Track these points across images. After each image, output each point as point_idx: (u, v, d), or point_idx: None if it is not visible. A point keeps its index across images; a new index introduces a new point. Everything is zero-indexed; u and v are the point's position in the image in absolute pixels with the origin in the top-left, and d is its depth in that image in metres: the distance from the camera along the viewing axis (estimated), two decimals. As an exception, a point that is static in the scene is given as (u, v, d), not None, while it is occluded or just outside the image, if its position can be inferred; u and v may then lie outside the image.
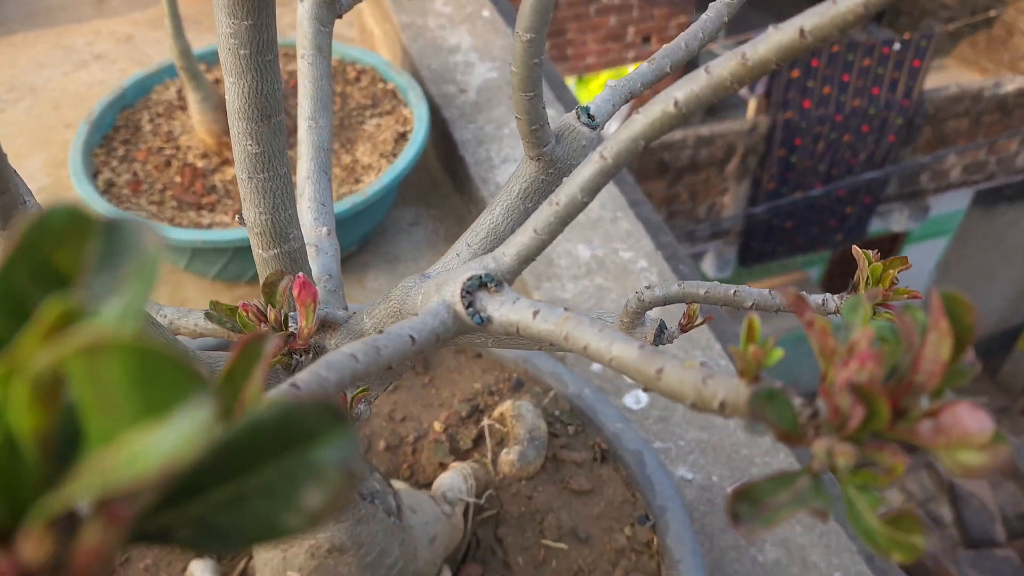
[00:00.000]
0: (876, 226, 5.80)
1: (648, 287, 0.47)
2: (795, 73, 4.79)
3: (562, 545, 0.85)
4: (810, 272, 6.31)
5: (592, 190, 0.40)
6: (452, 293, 0.39)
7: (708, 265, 5.67)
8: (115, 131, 1.44)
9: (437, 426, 0.96)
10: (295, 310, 0.47)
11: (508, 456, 0.90)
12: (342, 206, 1.27)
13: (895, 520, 0.23)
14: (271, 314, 0.45)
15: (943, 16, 6.05)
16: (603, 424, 0.94)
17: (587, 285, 1.29)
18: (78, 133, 1.38)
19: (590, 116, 0.48)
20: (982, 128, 5.33)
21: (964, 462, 0.23)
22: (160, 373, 0.13)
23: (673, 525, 0.85)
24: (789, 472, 0.24)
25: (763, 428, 0.24)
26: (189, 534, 0.17)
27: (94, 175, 1.34)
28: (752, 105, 5.13)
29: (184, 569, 0.82)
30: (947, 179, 5.60)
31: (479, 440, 0.95)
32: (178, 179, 1.36)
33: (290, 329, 0.46)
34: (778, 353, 0.28)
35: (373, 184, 1.30)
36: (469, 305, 0.39)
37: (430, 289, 0.44)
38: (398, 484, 0.89)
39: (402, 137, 1.44)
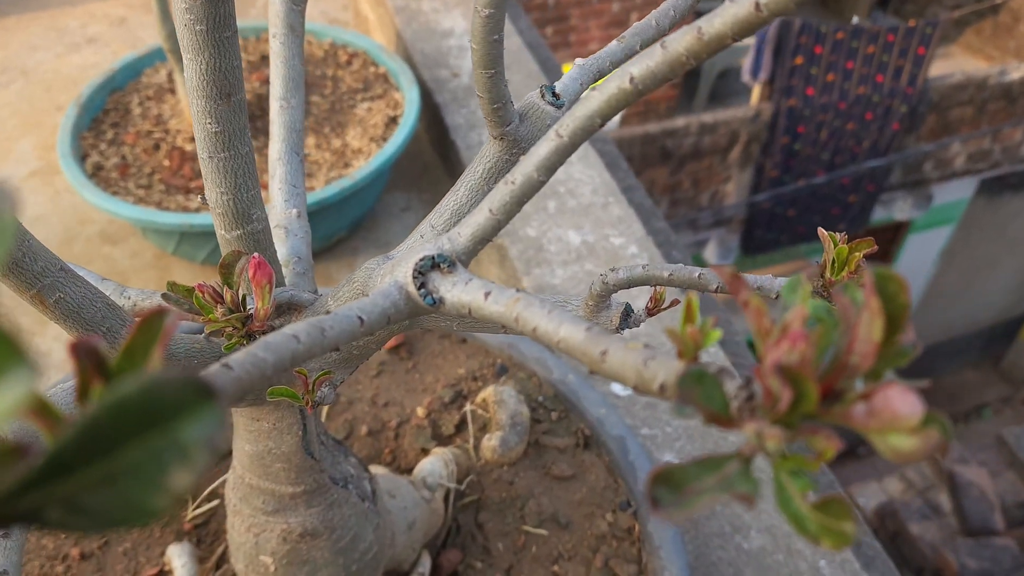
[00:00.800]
0: (879, 215, 5.77)
1: (613, 269, 0.46)
2: (799, 60, 4.76)
3: (542, 531, 0.85)
4: (814, 261, 6.29)
5: (549, 168, 0.39)
6: (404, 274, 0.39)
7: (711, 253, 5.65)
8: (104, 114, 1.43)
9: (420, 411, 0.95)
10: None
11: (490, 442, 0.90)
12: (331, 190, 1.26)
13: (824, 506, 0.23)
14: (227, 295, 0.44)
15: (949, 3, 6.00)
16: (586, 410, 0.93)
17: (576, 271, 1.28)
18: (67, 116, 1.37)
19: (555, 95, 0.47)
20: (987, 116, 5.29)
21: (895, 446, 0.22)
22: (-20, 344, 0.12)
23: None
24: (717, 456, 0.24)
25: (691, 411, 0.23)
26: (58, 515, 0.17)
27: (82, 158, 1.34)
28: (755, 92, 5.10)
29: (162, 553, 0.82)
30: (951, 167, 5.56)
31: (462, 426, 0.94)
32: (166, 163, 1.35)
33: (248, 310, 0.46)
34: (716, 334, 0.27)
35: (362, 168, 1.29)
36: (421, 286, 0.38)
37: (388, 270, 0.43)
38: (379, 469, 0.89)
39: (393, 121, 1.43)
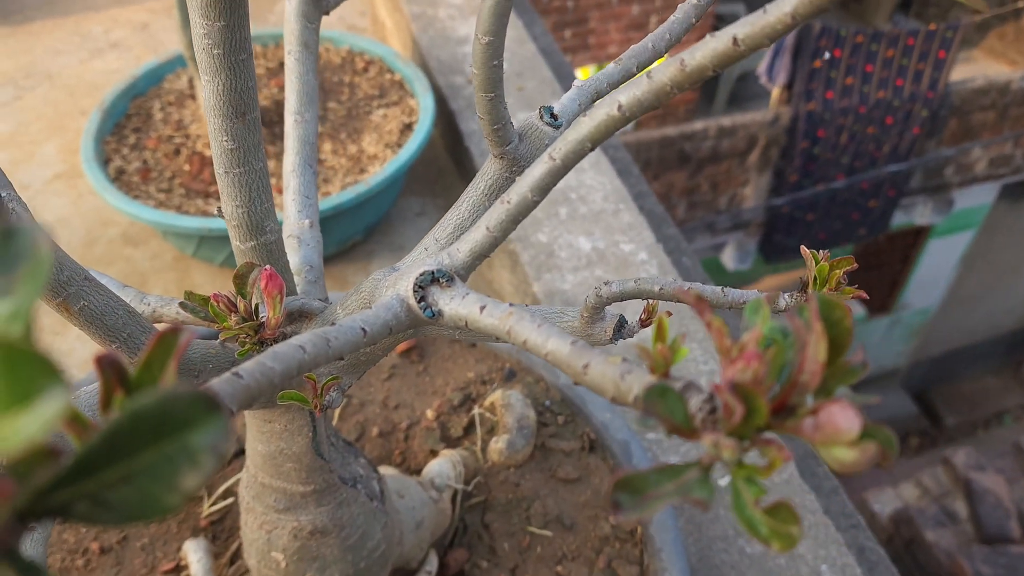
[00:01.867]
0: (899, 219, 5.74)
1: (606, 283, 0.48)
2: (818, 63, 4.75)
3: (547, 532, 0.87)
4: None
5: (542, 189, 0.41)
6: (405, 287, 0.41)
7: (728, 257, 5.64)
8: (127, 119, 1.47)
9: (429, 414, 0.98)
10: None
11: (497, 444, 0.92)
12: (346, 196, 1.29)
13: (773, 510, 0.25)
14: (241, 304, 0.47)
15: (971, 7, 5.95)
16: (592, 414, 0.95)
17: (587, 277, 1.30)
18: (90, 120, 1.41)
19: (553, 116, 0.50)
20: (1009, 121, 5.25)
21: (837, 457, 0.24)
22: (23, 367, 0.15)
23: (657, 514, 0.86)
24: (678, 464, 0.26)
25: (654, 422, 0.26)
26: (85, 509, 0.19)
27: (105, 162, 1.37)
28: (775, 95, 5.09)
29: (179, 548, 0.85)
30: (972, 172, 5.53)
31: (470, 428, 0.97)
32: (187, 167, 1.39)
33: (260, 319, 0.48)
34: (684, 351, 0.29)
35: (377, 174, 1.32)
36: (421, 299, 0.41)
37: (392, 282, 0.45)
38: (389, 470, 0.91)
39: (408, 128, 1.45)
